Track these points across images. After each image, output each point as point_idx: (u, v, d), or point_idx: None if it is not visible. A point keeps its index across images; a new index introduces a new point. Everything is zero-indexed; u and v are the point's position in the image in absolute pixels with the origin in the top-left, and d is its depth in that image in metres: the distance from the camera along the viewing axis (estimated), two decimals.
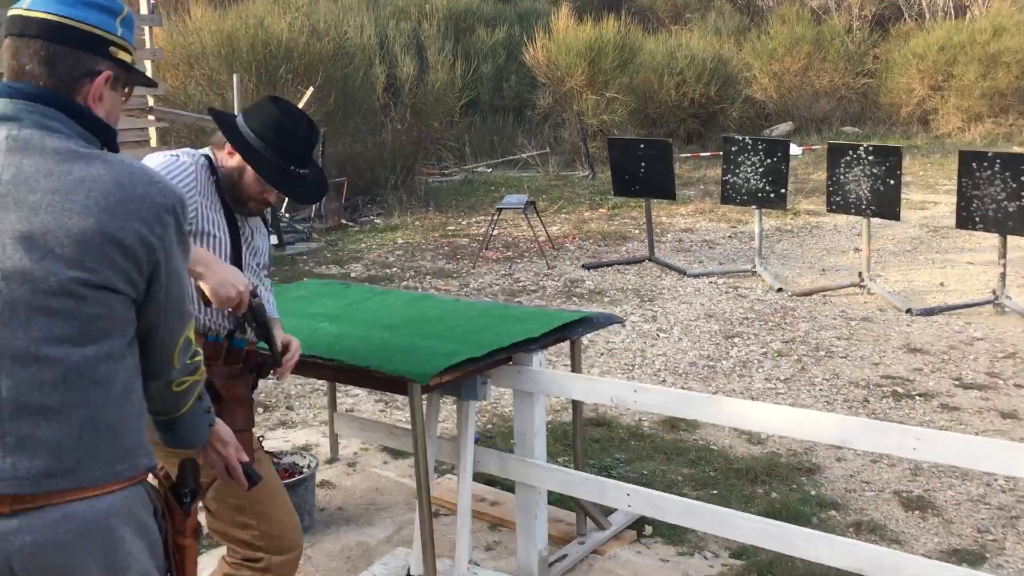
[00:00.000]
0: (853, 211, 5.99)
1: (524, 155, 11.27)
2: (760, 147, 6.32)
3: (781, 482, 3.56)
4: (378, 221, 8.75)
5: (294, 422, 4.25)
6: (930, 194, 9.94)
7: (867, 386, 4.54)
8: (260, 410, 4.40)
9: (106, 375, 1.38)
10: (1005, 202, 5.33)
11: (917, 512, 3.31)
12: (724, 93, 13.22)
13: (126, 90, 1.56)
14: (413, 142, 8.97)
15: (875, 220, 6.10)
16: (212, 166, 2.20)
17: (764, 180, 6.31)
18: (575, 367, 3.12)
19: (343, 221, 8.38)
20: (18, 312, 1.34)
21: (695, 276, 6.60)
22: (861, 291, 6.12)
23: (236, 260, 2.18)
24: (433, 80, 9.91)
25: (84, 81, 1.45)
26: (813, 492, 3.47)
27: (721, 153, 6.75)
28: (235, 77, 7.77)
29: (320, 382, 4.42)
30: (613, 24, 11.79)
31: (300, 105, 7.58)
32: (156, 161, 2.13)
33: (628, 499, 2.67)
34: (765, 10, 16.57)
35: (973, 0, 15.07)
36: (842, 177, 5.97)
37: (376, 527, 3.25)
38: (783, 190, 6.28)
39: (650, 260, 6.98)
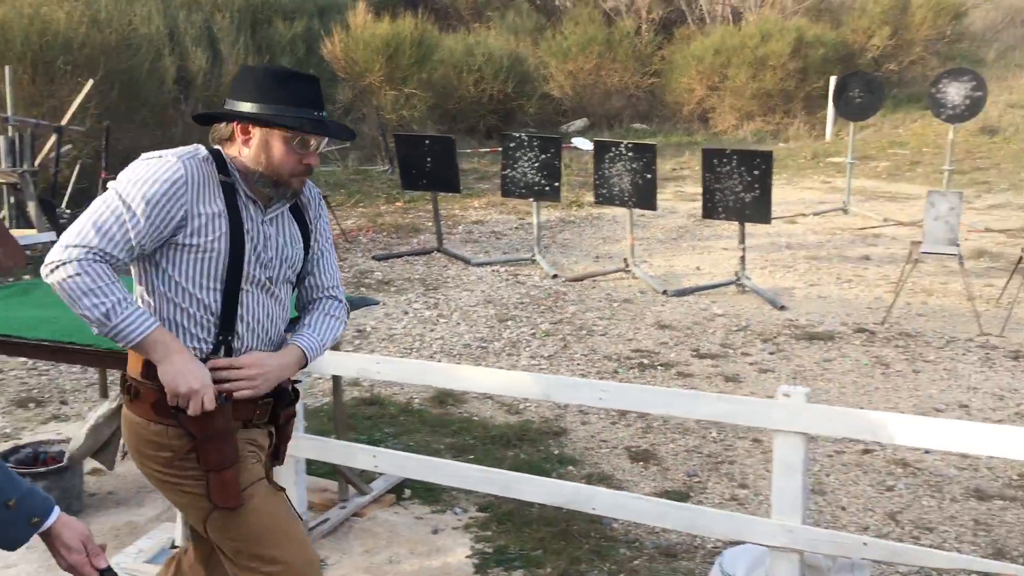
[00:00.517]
0: (617, 203, 6.56)
1: (323, 149, 11.39)
2: (535, 143, 6.79)
3: (530, 445, 3.97)
4: None
5: (68, 416, 4.29)
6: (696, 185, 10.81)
7: (619, 359, 5.05)
8: (31, 405, 4.42)
9: None
10: (742, 193, 6.01)
11: (641, 463, 3.80)
12: (521, 90, 13.77)
13: None
14: (199, 137, 8.91)
15: (649, 211, 6.71)
16: (219, 162, 1.93)
17: (540, 174, 6.78)
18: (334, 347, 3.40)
19: None
20: None
21: (479, 265, 7.01)
22: (627, 275, 6.70)
23: (235, 272, 1.92)
24: (226, 73, 9.86)
25: None
26: (556, 451, 3.90)
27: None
28: (7, 69, 7.52)
29: (95, 376, 4.47)
30: (410, 21, 12.07)
31: (78, 100, 7.43)
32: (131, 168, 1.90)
33: (375, 460, 2.98)
34: (561, 10, 17.31)
35: (746, 6, 16.34)
36: (607, 172, 6.52)
37: (146, 507, 3.41)
38: (557, 183, 6.78)
39: (438, 251, 7.33)
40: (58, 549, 1.59)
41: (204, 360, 1.91)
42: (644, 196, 6.40)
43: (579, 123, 14.98)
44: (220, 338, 1.93)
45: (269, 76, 1.97)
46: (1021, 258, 5.64)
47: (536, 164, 6.76)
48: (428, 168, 7.08)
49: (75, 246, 1.79)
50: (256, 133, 1.94)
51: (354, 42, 11.53)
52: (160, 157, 1.89)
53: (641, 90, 15.32)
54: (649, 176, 6.35)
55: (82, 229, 1.81)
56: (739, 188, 5.98)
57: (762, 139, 13.85)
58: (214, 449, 1.91)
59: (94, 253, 1.79)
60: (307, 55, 12.64)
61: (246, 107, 1.93)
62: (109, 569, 1.64)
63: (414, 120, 11.75)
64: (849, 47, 14.88)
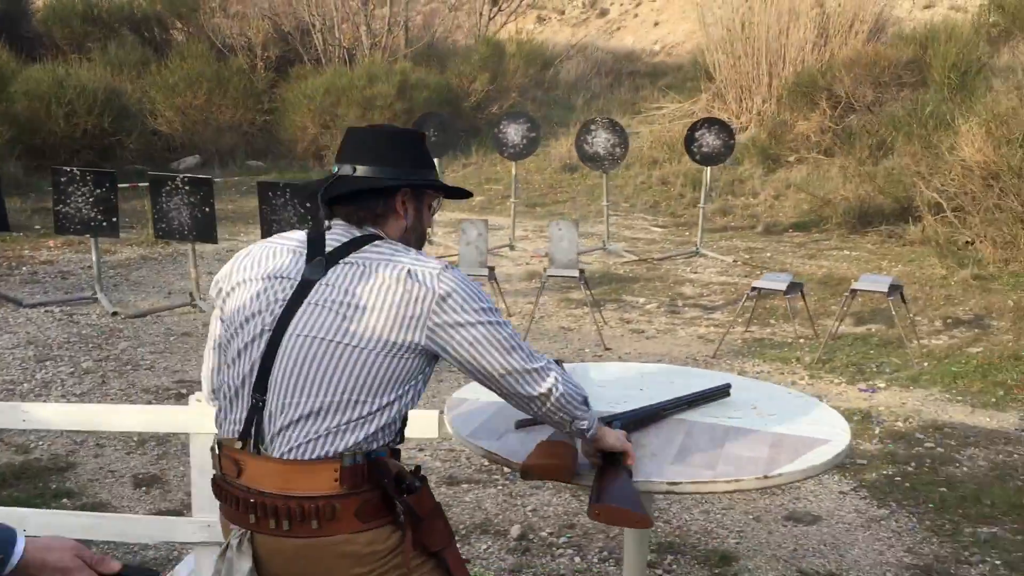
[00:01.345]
0: (177, 237, 6.54)
1: None
2: (88, 178, 6.58)
3: (29, 482, 3.86)
4: None
5: None
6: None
7: (157, 391, 5.04)
8: None
9: None
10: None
11: (144, 488, 3.84)
12: (120, 125, 13.19)
13: None
14: None
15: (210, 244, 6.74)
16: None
17: (95, 210, 6.57)
18: None
19: None
20: None
21: (31, 306, 6.63)
22: (193, 309, 6.68)
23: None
24: None
25: None
26: (55, 486, 3.83)
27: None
28: None
29: None
30: None
31: None
32: None
33: None
34: (173, 44, 16.84)
35: (360, 49, 16.93)
36: (165, 206, 6.48)
37: None
38: (114, 219, 6.61)
39: None
40: None
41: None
42: (203, 230, 6.44)
43: (190, 160, 14.63)
44: None
45: (415, 139, 1.93)
46: (547, 279, 6.39)
47: (91, 199, 6.55)
48: None
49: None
50: (411, 202, 1.89)
51: None
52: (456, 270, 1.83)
53: (255, 127, 15.29)
54: (208, 210, 6.40)
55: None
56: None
57: None
58: (441, 523, 1.83)
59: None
60: None
61: (405, 174, 1.86)
62: (127, 567, 1.38)
63: None
64: (454, 91, 15.91)
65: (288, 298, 1.79)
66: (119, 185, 6.71)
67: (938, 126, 9.85)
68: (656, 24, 25.96)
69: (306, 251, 1.84)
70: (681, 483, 2.10)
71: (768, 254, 9.34)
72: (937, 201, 8.91)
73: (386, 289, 1.77)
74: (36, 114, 12.15)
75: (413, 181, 1.88)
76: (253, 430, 1.75)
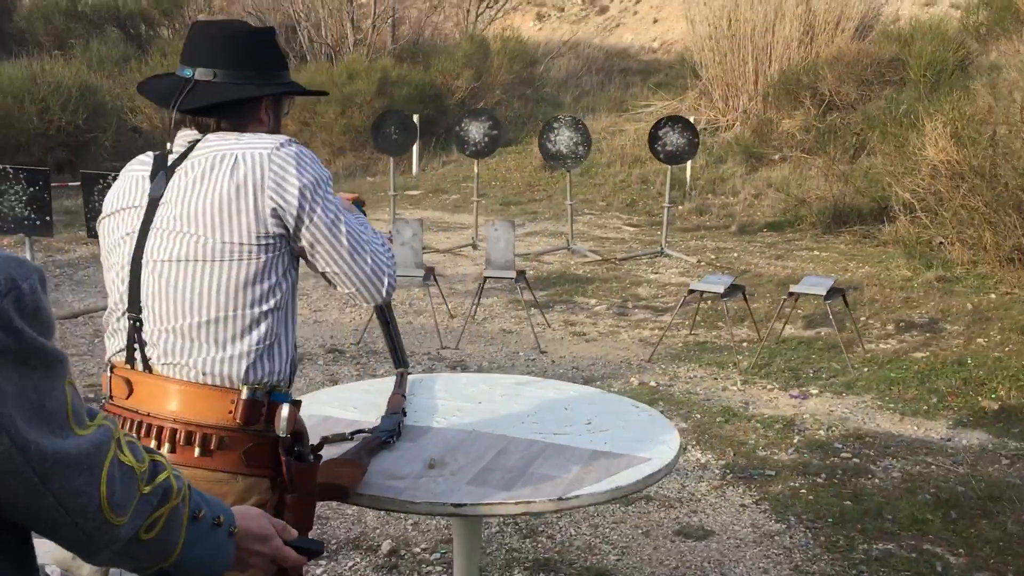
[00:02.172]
0: None
1: None
2: (22, 176, 6.48)
3: None
4: None
5: None
6: None
7: None
8: None
9: None
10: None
11: None
12: (96, 123, 13.12)
13: None
14: None
15: None
16: None
17: (29, 208, 6.48)
18: None
19: None
20: None
21: None
22: None
23: None
24: None
25: None
26: None
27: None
28: None
29: None
30: None
31: None
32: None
33: None
34: (152, 41, 16.78)
35: (344, 47, 16.83)
36: (98, 204, 6.37)
37: None
38: (48, 217, 6.52)
39: None
40: (249, 551, 1.22)
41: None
42: None
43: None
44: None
45: (271, 38, 1.86)
46: (484, 280, 6.25)
47: (24, 198, 6.45)
48: None
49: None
50: (271, 108, 1.86)
51: None
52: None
53: None
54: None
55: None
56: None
57: (353, 172, 14.30)
58: (308, 507, 1.78)
59: None
60: None
61: (269, 81, 1.81)
62: (302, 536, 1.37)
63: None
64: (437, 88, 15.78)
65: (137, 228, 1.77)
66: (51, 184, 6.60)
67: (912, 125, 9.67)
68: (655, 21, 25.81)
69: (150, 171, 1.81)
70: (466, 504, 1.97)
71: (735, 254, 9.17)
72: (910, 201, 8.73)
73: (218, 187, 1.71)
74: (9, 111, 12.09)
75: (278, 89, 1.85)
76: (138, 350, 1.75)
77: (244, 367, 1.73)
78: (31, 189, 6.46)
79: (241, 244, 1.72)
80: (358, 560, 3.29)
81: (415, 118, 13.30)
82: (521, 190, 13.14)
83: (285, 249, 1.78)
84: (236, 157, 1.72)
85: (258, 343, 1.74)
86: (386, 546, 3.37)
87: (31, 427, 0.86)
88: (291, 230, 1.74)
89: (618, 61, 21.85)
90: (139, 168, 1.87)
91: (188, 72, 1.82)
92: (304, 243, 1.77)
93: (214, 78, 1.79)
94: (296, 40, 17.04)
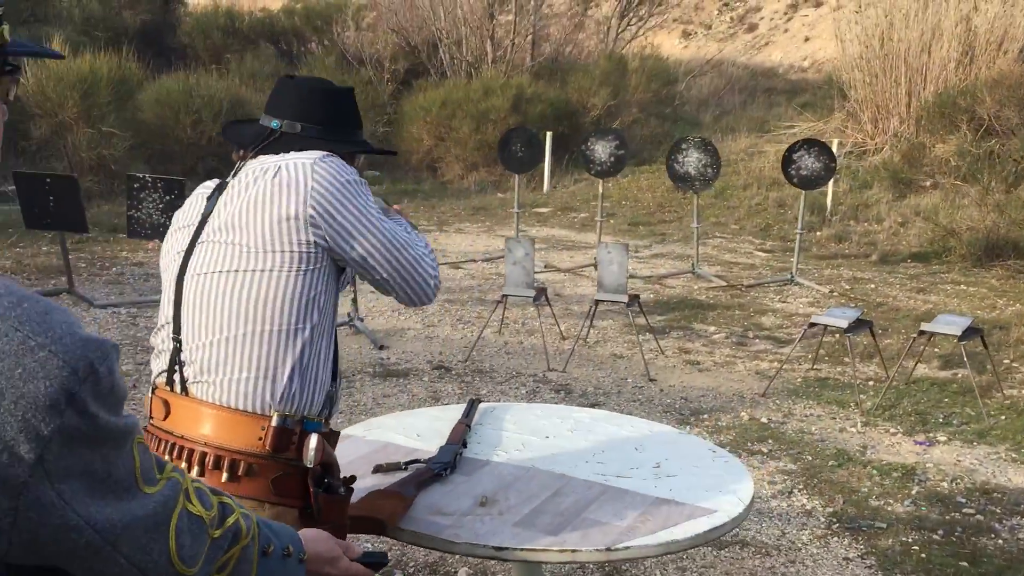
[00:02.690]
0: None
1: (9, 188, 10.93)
2: (160, 185, 6.80)
3: None
4: None
5: None
6: None
7: None
8: None
9: None
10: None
11: None
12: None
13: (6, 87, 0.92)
14: None
15: None
16: None
17: (165, 215, 6.78)
18: None
19: None
20: None
21: (102, 307, 6.90)
22: None
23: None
24: None
25: None
26: None
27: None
28: None
29: None
30: (110, 59, 11.85)
31: None
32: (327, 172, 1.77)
33: None
34: (306, 56, 17.44)
35: (484, 63, 17.04)
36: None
37: None
38: None
39: (68, 292, 7.16)
40: (321, 572, 1.30)
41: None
42: None
43: None
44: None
45: (342, 95, 1.96)
46: (596, 303, 6.12)
47: (161, 205, 6.76)
48: (52, 207, 6.94)
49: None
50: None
51: (47, 77, 11.17)
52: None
53: (375, 138, 15.59)
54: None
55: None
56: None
57: (484, 188, 14.41)
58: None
59: None
60: None
61: (328, 134, 1.91)
62: (369, 556, 1.43)
63: (114, 160, 11.47)
64: (572, 105, 15.76)
65: (186, 245, 1.80)
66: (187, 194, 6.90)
67: None
68: (807, 40, 25.05)
69: (211, 192, 1.86)
70: (507, 548, 1.87)
71: (873, 285, 8.71)
72: None
73: (260, 196, 1.73)
74: (165, 121, 12.78)
75: (354, 148, 1.94)
76: (177, 371, 1.75)
77: (275, 391, 1.71)
78: (167, 198, 6.76)
79: (280, 251, 1.71)
80: None
81: (547, 136, 13.32)
82: (651, 211, 12.93)
83: (325, 263, 1.76)
84: (280, 167, 1.76)
85: (291, 367, 1.72)
86: (463, 573, 3.30)
87: (100, 500, 0.86)
88: (329, 238, 1.74)
89: (763, 80, 21.28)
90: (202, 190, 1.92)
91: (275, 124, 1.89)
92: (345, 246, 1.76)
93: (299, 131, 1.87)
94: (437, 57, 17.36)
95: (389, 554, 3.30)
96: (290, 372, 1.71)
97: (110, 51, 12.24)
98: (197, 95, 13.14)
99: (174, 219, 1.93)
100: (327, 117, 1.90)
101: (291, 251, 1.71)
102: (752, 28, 26.85)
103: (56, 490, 0.81)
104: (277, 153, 1.82)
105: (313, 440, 1.68)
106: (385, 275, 1.82)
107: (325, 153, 1.79)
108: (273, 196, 1.72)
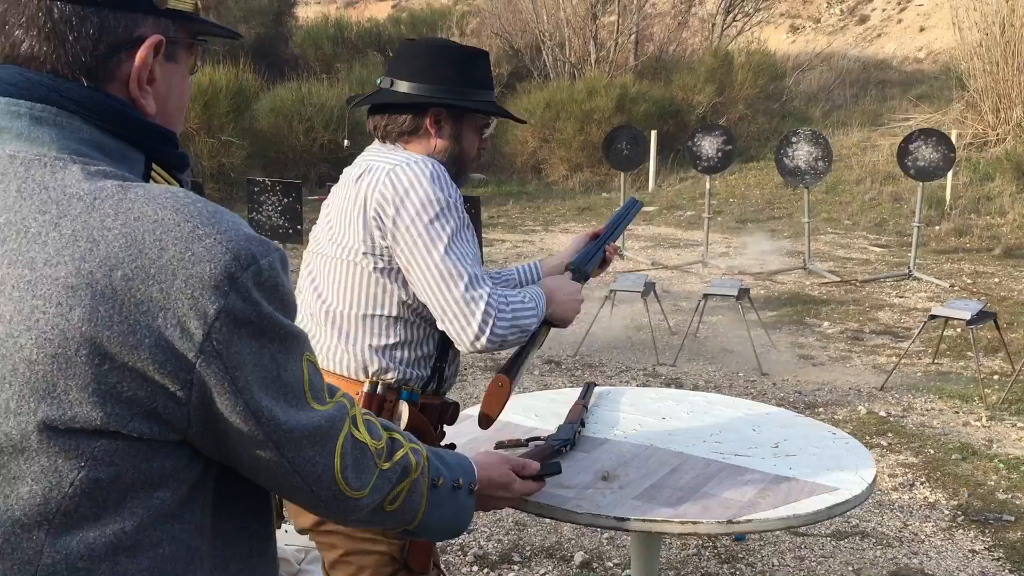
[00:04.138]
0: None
1: None
2: (278, 188, 7.07)
3: None
4: None
5: None
6: (507, 233, 11.24)
7: None
8: None
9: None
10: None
11: None
12: (354, 141, 14.07)
13: (192, 57, 1.01)
14: None
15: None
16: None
17: (283, 218, 7.06)
18: None
19: None
20: None
21: None
22: None
23: None
24: None
25: (117, 58, 0.91)
26: None
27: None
28: None
29: None
30: (228, 71, 12.35)
31: None
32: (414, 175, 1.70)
33: None
34: None
35: (587, 63, 17.06)
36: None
37: None
38: (299, 226, 7.06)
39: None
40: (494, 499, 1.40)
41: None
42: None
43: None
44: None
45: (462, 55, 1.86)
46: (705, 297, 6.08)
47: (279, 208, 7.04)
48: None
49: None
50: (448, 123, 1.83)
51: None
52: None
53: None
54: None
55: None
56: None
57: (589, 188, 14.43)
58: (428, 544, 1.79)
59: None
60: None
61: (440, 92, 1.79)
62: (544, 465, 1.51)
63: (233, 167, 11.96)
64: (677, 104, 15.63)
65: (318, 232, 1.89)
66: (307, 196, 7.16)
67: None
68: (922, 30, 24.20)
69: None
70: (629, 519, 1.91)
71: (997, 280, 8.38)
72: None
73: (348, 192, 1.78)
74: (280, 130, 13.26)
75: (446, 100, 1.80)
76: None
77: (362, 361, 1.77)
78: (285, 200, 7.03)
79: (354, 248, 1.75)
80: (551, 568, 3.29)
81: (652, 134, 13.25)
82: (760, 207, 12.71)
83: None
84: (369, 167, 1.77)
85: (378, 343, 1.77)
86: (579, 557, 3.34)
87: (266, 394, 0.91)
88: (389, 240, 1.73)
89: (876, 72, 20.64)
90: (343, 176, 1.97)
91: (379, 81, 1.90)
92: (396, 251, 1.73)
93: (391, 85, 1.85)
94: (540, 59, 17.47)
95: (506, 538, 3.38)
96: (376, 347, 1.77)
97: (227, 64, 12.76)
98: (309, 103, 13.57)
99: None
100: (419, 72, 1.81)
101: (366, 252, 1.74)
102: (863, 20, 26.08)
103: (228, 373, 0.87)
104: (392, 113, 1.81)
105: (404, 408, 1.76)
106: (424, 296, 1.74)
107: (417, 158, 1.74)
108: (352, 200, 1.76)
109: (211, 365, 0.86)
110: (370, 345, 1.76)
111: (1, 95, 0.89)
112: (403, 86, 1.82)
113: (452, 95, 1.81)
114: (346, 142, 2.00)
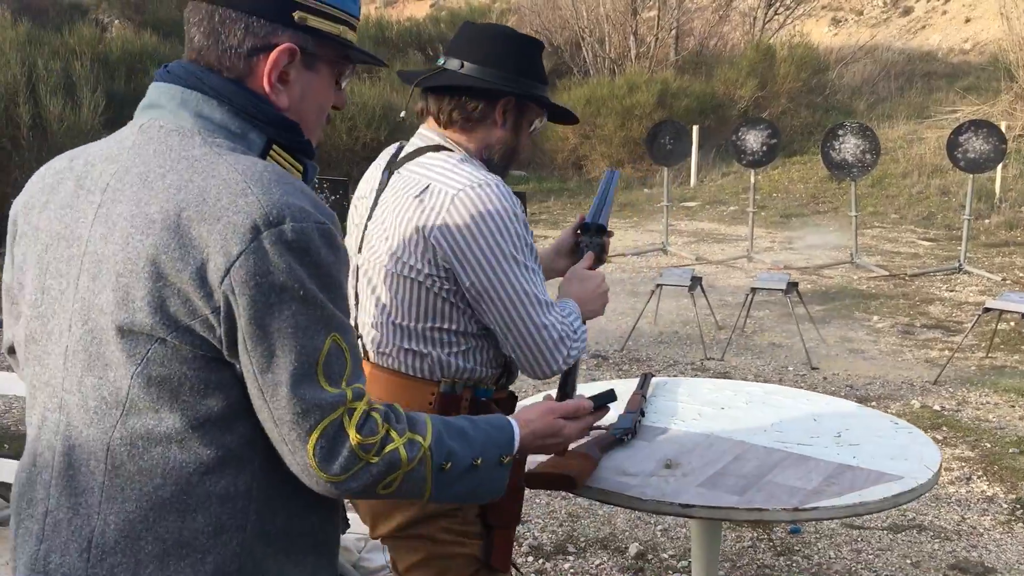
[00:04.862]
0: None
1: None
2: (326, 185, 7.13)
3: None
4: None
5: None
6: (550, 229, 11.24)
7: None
8: None
9: (160, 463, 1.04)
10: None
11: None
12: (396, 139, 14.16)
13: (337, 70, 1.20)
14: None
15: None
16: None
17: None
18: None
19: None
20: (78, 360, 1.06)
21: None
22: None
23: None
24: (61, 120, 10.06)
25: (256, 58, 1.11)
26: None
27: None
28: None
29: None
30: None
31: None
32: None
33: None
34: None
35: (627, 59, 17.01)
36: None
37: None
38: (345, 223, 7.12)
39: None
40: (544, 444, 1.47)
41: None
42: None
43: None
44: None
45: (530, 45, 1.79)
46: (752, 291, 6.05)
47: (327, 204, 7.10)
48: None
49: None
50: (512, 114, 1.77)
51: None
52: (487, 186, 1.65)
53: None
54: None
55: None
56: None
57: (630, 184, 14.38)
58: (514, 500, 1.74)
59: None
60: None
61: (513, 82, 1.72)
62: (598, 399, 1.57)
63: None
64: (719, 98, 15.52)
65: (364, 219, 1.80)
66: (350, 193, 7.22)
67: None
68: (967, 21, 23.80)
69: (387, 162, 1.84)
70: (694, 506, 1.92)
71: None
72: None
73: (408, 209, 1.68)
74: (324, 129, 13.38)
75: (522, 91, 1.74)
76: (360, 336, 1.80)
77: (436, 366, 1.73)
78: (332, 197, 7.10)
79: (417, 268, 1.69)
80: (605, 560, 3.30)
81: (694, 129, 13.17)
82: (804, 202, 12.59)
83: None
84: (429, 187, 1.69)
85: (450, 351, 1.73)
86: (634, 549, 3.35)
87: (269, 343, 1.02)
88: (452, 265, 1.67)
89: (921, 64, 20.33)
90: (382, 158, 1.90)
91: (442, 60, 1.79)
92: (463, 275, 1.67)
93: (460, 68, 1.74)
94: (580, 56, 17.44)
95: (560, 529, 3.40)
96: (448, 352, 1.73)
97: None
98: (351, 102, 13.67)
99: (358, 187, 1.94)
100: (493, 59, 1.73)
101: (428, 270, 1.69)
102: (907, 11, 25.71)
103: (242, 311, 1.01)
104: (463, 97, 1.73)
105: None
106: (495, 326, 1.69)
107: (481, 181, 1.66)
108: (412, 216, 1.67)
109: (230, 298, 1.01)
110: (443, 353, 1.73)
111: (167, 82, 1.12)
112: (474, 69, 1.73)
113: (524, 86, 1.76)
114: (403, 113, 1.92)
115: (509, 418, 1.37)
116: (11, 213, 1.22)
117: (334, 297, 1.06)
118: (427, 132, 1.81)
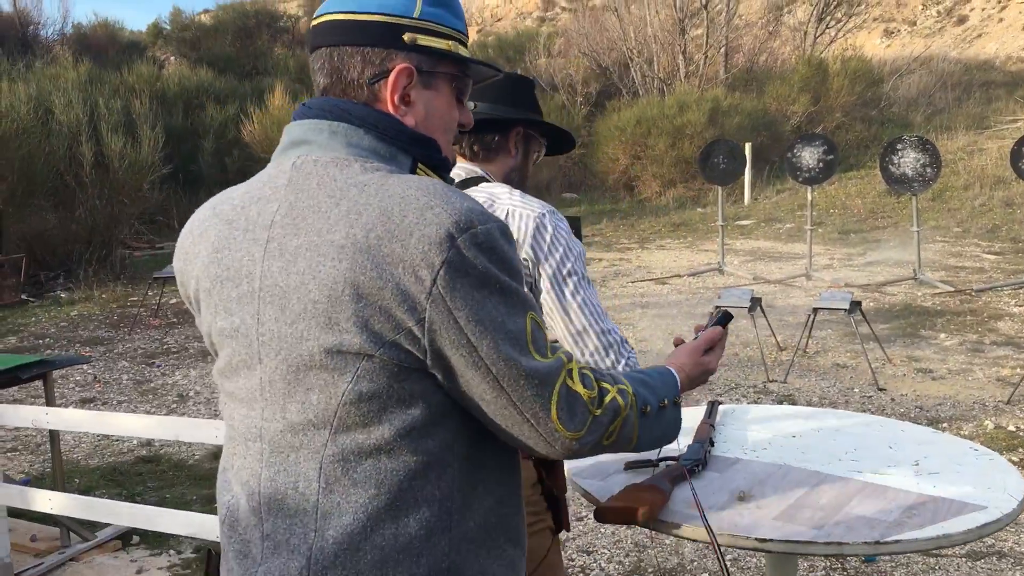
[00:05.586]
0: None
1: None
2: None
3: None
4: (63, 295, 9.10)
5: None
6: (603, 251, 11.20)
7: None
8: None
9: (372, 474, 1.10)
10: None
11: None
12: None
13: (456, 86, 1.25)
14: (107, 217, 9.43)
15: None
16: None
17: None
18: (48, 400, 3.74)
19: (22, 296, 8.70)
20: (276, 389, 1.13)
21: None
22: None
23: None
24: (122, 156, 10.30)
25: (379, 84, 1.19)
26: None
27: None
28: None
29: None
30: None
31: None
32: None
33: (50, 503, 3.29)
34: None
35: (676, 79, 16.94)
36: None
37: None
38: None
39: None
40: (700, 380, 1.61)
41: None
42: None
43: None
44: None
45: (529, 83, 2.03)
46: (815, 311, 5.94)
47: None
48: None
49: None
50: (522, 143, 1.98)
51: (271, 121, 12.08)
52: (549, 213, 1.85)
53: (571, 160, 15.82)
54: None
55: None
56: None
57: (683, 204, 14.28)
58: (562, 467, 1.92)
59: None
60: (238, 135, 13.24)
61: (522, 113, 1.95)
62: (720, 319, 1.70)
63: None
64: (771, 115, 15.38)
65: None
66: None
67: None
68: None
69: None
70: (772, 540, 1.86)
71: None
72: None
73: None
74: None
75: (527, 118, 1.97)
76: None
77: None
78: None
79: None
80: None
81: (747, 147, 13.05)
82: (863, 217, 12.38)
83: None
84: (508, 210, 1.83)
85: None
86: None
87: (489, 335, 1.09)
88: (534, 288, 1.79)
89: (978, 74, 19.95)
90: None
91: None
92: (542, 299, 1.80)
93: (474, 108, 1.93)
94: (628, 77, 17.43)
95: (627, 560, 3.34)
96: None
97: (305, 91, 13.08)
98: None
99: None
100: (500, 96, 1.95)
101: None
102: (962, 20, 25.30)
103: (451, 314, 1.06)
104: (478, 132, 1.92)
105: None
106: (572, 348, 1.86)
107: (549, 209, 1.84)
108: None
109: (438, 306, 1.06)
110: None
111: (311, 118, 1.18)
112: (486, 107, 1.94)
113: (527, 115, 1.98)
114: None
115: (664, 364, 1.51)
116: (178, 279, 1.29)
117: (520, 282, 1.14)
118: (464, 165, 1.98)
